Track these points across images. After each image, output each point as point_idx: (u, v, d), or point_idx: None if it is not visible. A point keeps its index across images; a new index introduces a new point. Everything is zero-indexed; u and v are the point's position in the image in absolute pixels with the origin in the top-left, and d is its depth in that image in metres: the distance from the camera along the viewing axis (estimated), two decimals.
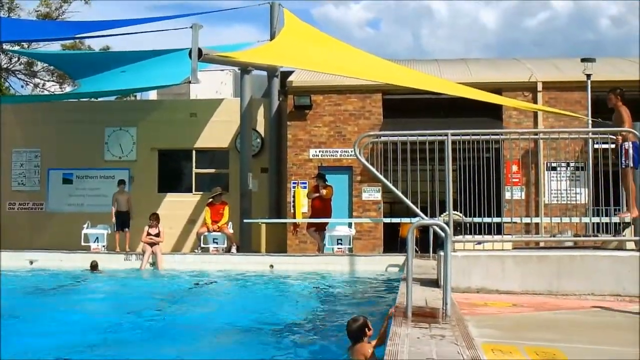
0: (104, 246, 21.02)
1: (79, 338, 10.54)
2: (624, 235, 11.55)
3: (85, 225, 21.40)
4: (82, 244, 20.95)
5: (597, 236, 12.34)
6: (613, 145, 11.94)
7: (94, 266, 18.94)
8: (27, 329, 11.28)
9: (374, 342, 8.25)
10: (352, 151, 16.30)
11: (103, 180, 24.95)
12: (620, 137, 11.81)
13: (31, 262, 19.85)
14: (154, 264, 19.72)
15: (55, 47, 32.59)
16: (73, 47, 34.59)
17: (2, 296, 13.78)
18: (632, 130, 11.19)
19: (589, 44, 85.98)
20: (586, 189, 13.20)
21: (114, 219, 21.95)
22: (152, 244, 19.98)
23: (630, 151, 11.73)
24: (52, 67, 33.81)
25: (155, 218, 20.77)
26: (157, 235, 20.23)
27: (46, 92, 35.26)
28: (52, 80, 36.01)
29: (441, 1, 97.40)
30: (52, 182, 25.19)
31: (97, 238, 21.08)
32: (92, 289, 16.91)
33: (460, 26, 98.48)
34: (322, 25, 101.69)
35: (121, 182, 22.79)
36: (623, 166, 11.84)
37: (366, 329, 8.21)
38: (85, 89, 24.62)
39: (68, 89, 33.79)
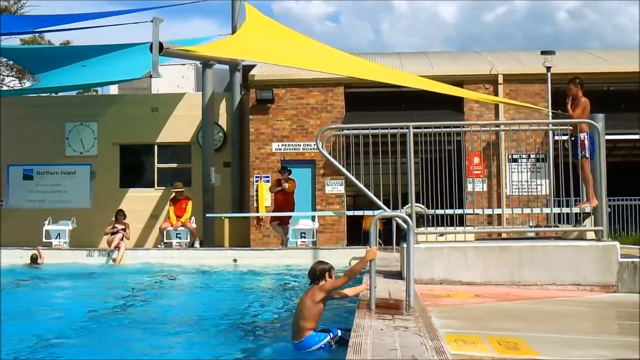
0: (65, 242, 20.82)
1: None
2: (584, 226, 11.67)
3: (47, 222, 21.18)
4: (44, 240, 20.74)
5: (557, 226, 12.45)
6: (571, 137, 12.07)
7: (34, 259, 18.85)
8: None
9: (340, 279, 8.38)
10: (314, 145, 16.30)
11: (64, 175, 24.76)
12: (581, 128, 11.95)
13: None
14: (114, 259, 19.58)
15: (14, 41, 32.25)
16: (33, 41, 34.25)
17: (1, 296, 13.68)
18: (590, 121, 11.29)
19: (546, 37, 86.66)
20: (547, 180, 13.33)
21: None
22: (116, 233, 19.84)
23: (586, 142, 11.87)
24: (11, 62, 33.45)
25: (121, 214, 20.65)
26: (124, 229, 20.12)
27: (5, 88, 34.89)
28: (12, 75, 35.66)
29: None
30: (12, 178, 24.94)
31: (59, 234, 20.87)
32: (38, 286, 16.74)
33: (420, 20, 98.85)
34: (283, 19, 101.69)
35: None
36: (579, 157, 11.98)
37: (327, 274, 8.42)
38: (45, 84, 24.37)
39: (28, 84, 33.48)
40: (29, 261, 19.24)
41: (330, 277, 8.45)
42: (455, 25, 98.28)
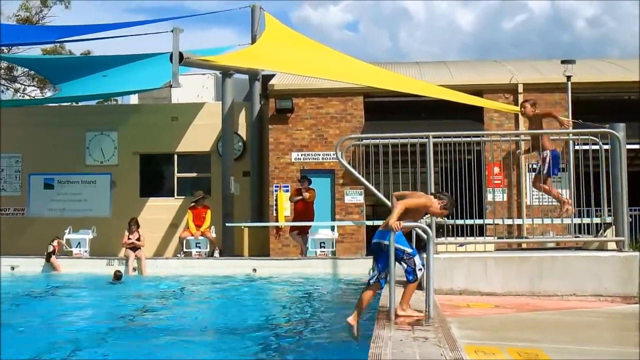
0: (86, 251, 20.93)
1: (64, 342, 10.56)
2: (605, 236, 11.61)
3: (67, 231, 21.29)
4: (65, 249, 20.84)
5: (578, 237, 12.41)
6: (595, 147, 12.03)
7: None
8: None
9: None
10: (334, 154, 16.31)
11: (85, 185, 24.84)
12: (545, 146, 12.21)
13: (12, 268, 19.76)
14: (135, 269, 19.66)
15: (35, 51, 32.43)
16: (54, 51, 34.44)
17: (2, 297, 13.78)
18: (611, 131, 11.24)
19: (565, 45, 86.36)
20: (567, 190, 13.28)
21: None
22: (134, 249, 19.94)
23: (548, 159, 12.04)
24: (32, 72, 33.65)
25: (134, 223, 20.71)
26: (138, 240, 20.19)
27: (27, 97, 35.10)
28: (33, 85, 35.87)
29: (418, 1, 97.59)
30: (33, 187, 25.05)
31: (79, 243, 20.98)
32: (70, 294, 16.86)
33: (438, 28, 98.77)
34: (301, 28, 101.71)
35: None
36: (538, 172, 12.17)
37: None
38: (66, 94, 24.50)
39: (49, 93, 33.66)
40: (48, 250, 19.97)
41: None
42: (472, 32, 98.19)
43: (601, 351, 7.16)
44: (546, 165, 12.18)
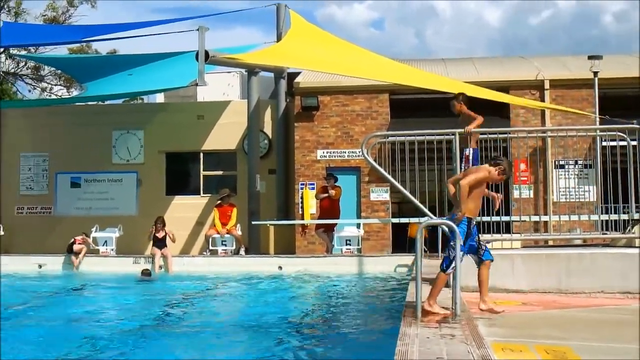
0: (112, 249, 21.01)
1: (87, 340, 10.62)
2: (633, 233, 11.54)
3: (94, 229, 21.38)
4: (91, 247, 20.94)
5: (605, 234, 12.33)
6: (622, 143, 11.94)
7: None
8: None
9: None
10: (359, 152, 16.29)
11: (111, 183, 24.96)
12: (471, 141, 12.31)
13: (40, 266, 19.90)
14: (162, 266, 19.71)
15: (62, 51, 32.64)
16: (80, 50, 34.67)
17: (1, 297, 13.88)
18: (638, 126, 11.18)
19: (592, 40, 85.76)
20: (594, 187, 13.21)
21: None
22: (160, 247, 19.99)
23: (471, 157, 12.04)
24: (59, 71, 33.88)
25: (160, 222, 20.74)
26: (164, 238, 20.20)
27: (53, 96, 35.34)
28: (60, 84, 36.11)
29: (444, 0, 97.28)
30: (60, 185, 25.20)
31: (106, 241, 21.07)
32: (97, 293, 16.97)
33: (464, 24, 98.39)
34: (327, 26, 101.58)
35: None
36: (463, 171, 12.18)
37: None
38: (92, 93, 24.63)
39: (75, 92, 33.86)
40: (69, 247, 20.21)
41: None
42: (499, 28, 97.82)
43: (629, 349, 7.11)
44: (470, 163, 12.28)
